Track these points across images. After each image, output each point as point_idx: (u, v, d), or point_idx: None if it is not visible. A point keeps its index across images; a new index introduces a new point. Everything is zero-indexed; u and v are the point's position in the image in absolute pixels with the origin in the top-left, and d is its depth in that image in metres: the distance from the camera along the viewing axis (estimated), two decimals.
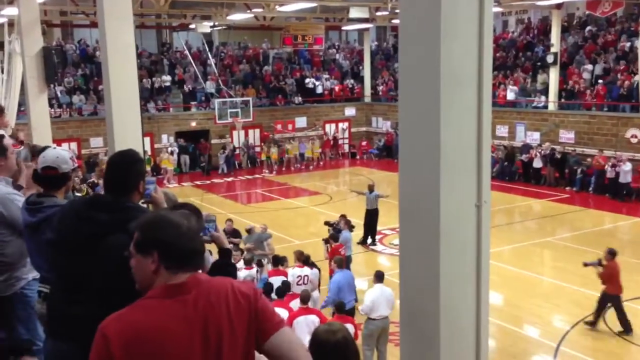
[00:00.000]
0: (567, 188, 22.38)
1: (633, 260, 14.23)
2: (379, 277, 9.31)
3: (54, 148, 3.58)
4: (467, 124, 3.15)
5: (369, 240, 15.60)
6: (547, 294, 12.37)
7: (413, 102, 3.25)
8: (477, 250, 3.28)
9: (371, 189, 15.76)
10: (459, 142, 3.14)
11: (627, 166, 20.17)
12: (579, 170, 22.28)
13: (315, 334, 2.69)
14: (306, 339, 7.49)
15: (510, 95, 26.13)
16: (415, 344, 3.44)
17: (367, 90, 33.43)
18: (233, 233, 12.79)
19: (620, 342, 9.99)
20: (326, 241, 12.20)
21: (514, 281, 12.82)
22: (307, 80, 32.42)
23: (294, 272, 10.19)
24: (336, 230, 12.66)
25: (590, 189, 21.70)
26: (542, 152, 23.42)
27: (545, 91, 25.22)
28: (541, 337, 10.52)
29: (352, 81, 33.70)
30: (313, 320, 8.15)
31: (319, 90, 32.43)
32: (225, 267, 2.82)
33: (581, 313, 10.99)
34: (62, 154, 3.40)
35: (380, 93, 32.98)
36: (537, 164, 23.51)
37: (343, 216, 13.43)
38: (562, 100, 24.80)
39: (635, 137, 21.46)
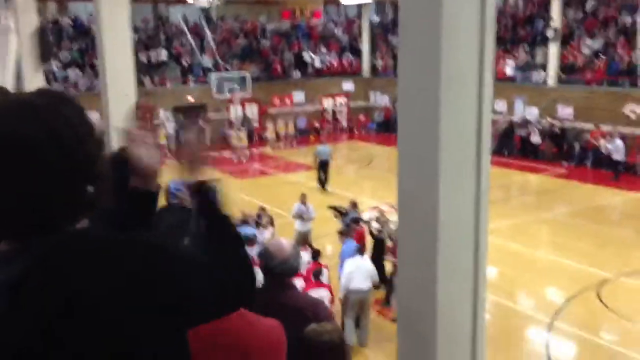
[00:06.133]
0: (565, 163, 22.40)
1: (630, 234, 14.31)
2: (358, 250, 9.60)
3: None
4: (467, 123, 3.15)
5: (320, 185, 19.19)
6: (543, 270, 12.44)
7: (412, 98, 3.23)
8: (475, 250, 3.30)
9: (322, 143, 20.87)
10: (458, 141, 3.14)
11: (616, 143, 20.14)
12: (577, 145, 22.28)
13: (305, 332, 2.70)
14: None
15: (509, 70, 25.98)
16: (412, 345, 3.47)
17: (366, 65, 33.22)
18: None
19: (613, 318, 10.08)
20: (347, 224, 11.87)
21: (510, 257, 12.87)
22: (305, 55, 32.20)
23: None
24: (344, 214, 12.41)
25: (588, 163, 21.74)
26: (541, 127, 23.40)
27: (544, 66, 25.08)
28: (536, 313, 10.62)
29: (350, 56, 33.47)
30: (323, 294, 8.37)
31: (317, 64, 32.22)
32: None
33: (576, 288, 11.07)
34: None
35: (380, 68, 32.76)
36: (536, 139, 23.48)
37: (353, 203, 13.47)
38: (562, 75, 24.68)
39: (634, 112, 21.40)
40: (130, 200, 1.53)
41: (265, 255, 3.29)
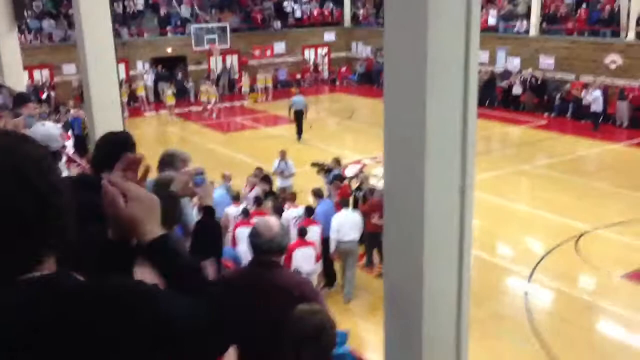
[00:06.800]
0: (546, 114, 22.49)
1: (607, 186, 14.51)
2: (346, 203, 9.97)
3: (43, 124, 3.60)
4: (453, 108, 3.15)
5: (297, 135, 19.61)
6: (523, 222, 12.62)
7: (399, 84, 3.19)
8: (460, 232, 3.34)
9: (297, 94, 20.72)
10: (444, 126, 3.14)
11: (594, 94, 20.24)
12: (557, 96, 22.35)
13: (296, 312, 2.72)
14: (303, 269, 7.73)
15: (492, 20, 25.78)
16: (398, 302, 3.52)
17: (347, 15, 32.70)
18: (265, 179, 12.31)
19: (591, 270, 10.31)
20: (330, 182, 11.57)
21: (491, 209, 12.99)
22: (285, 4, 31.57)
23: (290, 213, 9.84)
24: (327, 171, 12.25)
25: (569, 114, 21.86)
26: (522, 78, 23.38)
27: (527, 16, 24.91)
28: (516, 265, 10.81)
29: (331, 5, 32.88)
30: (309, 252, 8.53)
31: (298, 14, 31.65)
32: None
33: (555, 241, 11.25)
34: (52, 132, 3.46)
35: (361, 17, 32.27)
36: (517, 90, 23.49)
37: (335, 159, 13.25)
38: (544, 25, 24.54)
39: (614, 62, 21.43)
40: (105, 251, 1.46)
41: (253, 233, 3.29)
